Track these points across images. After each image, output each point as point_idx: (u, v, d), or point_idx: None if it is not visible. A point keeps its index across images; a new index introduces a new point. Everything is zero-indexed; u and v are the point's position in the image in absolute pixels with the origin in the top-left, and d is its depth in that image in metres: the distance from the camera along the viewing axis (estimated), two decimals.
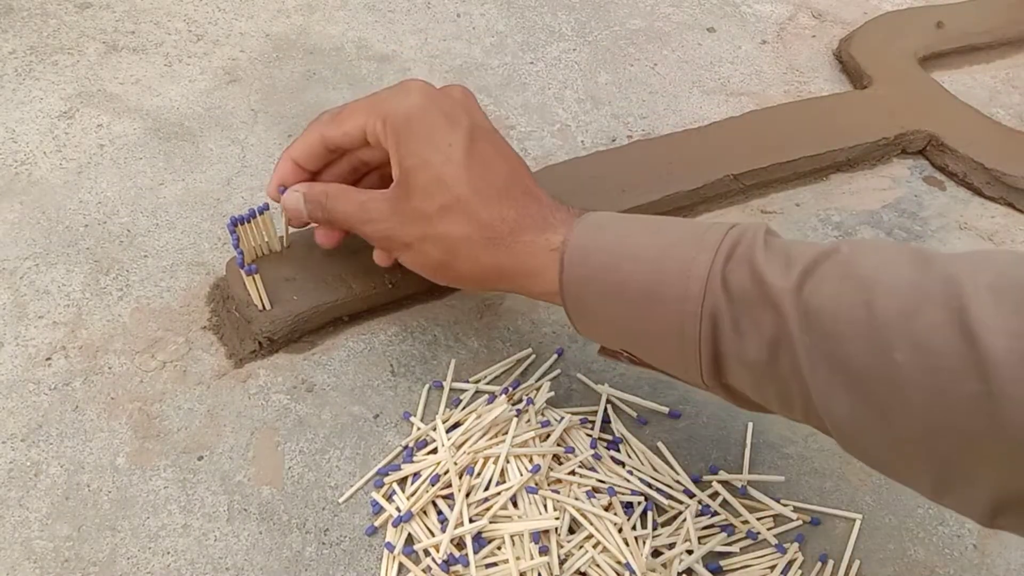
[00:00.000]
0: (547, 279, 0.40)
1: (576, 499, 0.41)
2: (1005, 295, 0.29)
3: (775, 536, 0.43)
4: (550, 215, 0.41)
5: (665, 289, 0.36)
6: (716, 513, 0.43)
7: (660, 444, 0.46)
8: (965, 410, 0.29)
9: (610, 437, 0.46)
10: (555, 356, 0.50)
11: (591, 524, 0.40)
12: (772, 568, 0.41)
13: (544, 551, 0.39)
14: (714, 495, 0.44)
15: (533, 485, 0.41)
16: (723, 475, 0.45)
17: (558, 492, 0.41)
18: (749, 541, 0.42)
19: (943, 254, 0.33)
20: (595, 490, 0.42)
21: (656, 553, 0.41)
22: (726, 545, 0.42)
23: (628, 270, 0.38)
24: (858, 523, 0.44)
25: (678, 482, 0.44)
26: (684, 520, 0.42)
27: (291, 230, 0.50)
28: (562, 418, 0.45)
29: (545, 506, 0.41)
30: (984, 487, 0.30)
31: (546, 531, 0.40)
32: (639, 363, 0.41)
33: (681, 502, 0.43)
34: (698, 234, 0.38)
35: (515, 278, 0.41)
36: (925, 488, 0.33)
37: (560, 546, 0.40)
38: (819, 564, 0.42)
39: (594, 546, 0.40)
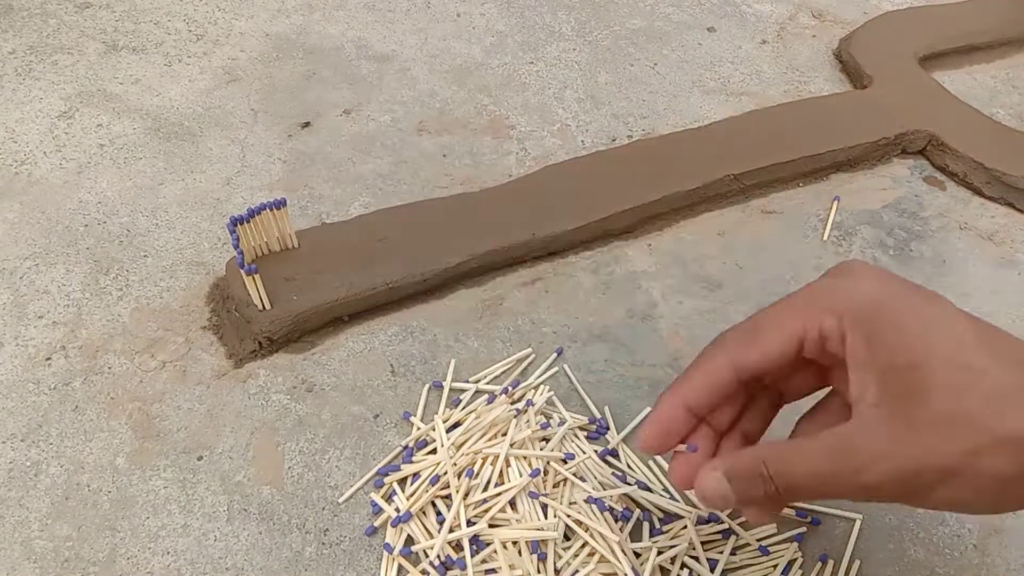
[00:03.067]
0: None
1: (572, 503, 0.41)
2: None
3: (774, 537, 0.43)
4: None
5: None
6: (719, 520, 0.43)
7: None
8: None
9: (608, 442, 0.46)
10: (554, 355, 0.50)
11: (592, 537, 0.40)
12: (774, 568, 0.41)
13: (543, 558, 0.39)
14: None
15: (533, 490, 0.41)
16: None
17: (557, 500, 0.41)
18: (757, 553, 0.42)
19: None
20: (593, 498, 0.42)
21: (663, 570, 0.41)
22: (730, 553, 0.42)
23: None
24: (858, 523, 0.44)
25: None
26: (684, 528, 0.42)
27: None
28: (562, 422, 0.45)
29: (544, 512, 0.40)
30: None
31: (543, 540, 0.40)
32: None
33: (679, 515, 0.43)
34: None
35: None
36: None
37: (558, 555, 0.40)
38: (819, 564, 0.42)
39: (590, 555, 0.40)
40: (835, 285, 0.32)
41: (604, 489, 0.42)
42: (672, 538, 0.42)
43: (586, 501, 0.41)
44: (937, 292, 0.32)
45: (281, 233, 0.50)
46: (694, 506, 0.43)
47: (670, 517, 0.43)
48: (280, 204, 0.49)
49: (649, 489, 0.43)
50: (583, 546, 0.40)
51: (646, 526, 0.42)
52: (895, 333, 0.30)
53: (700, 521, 0.43)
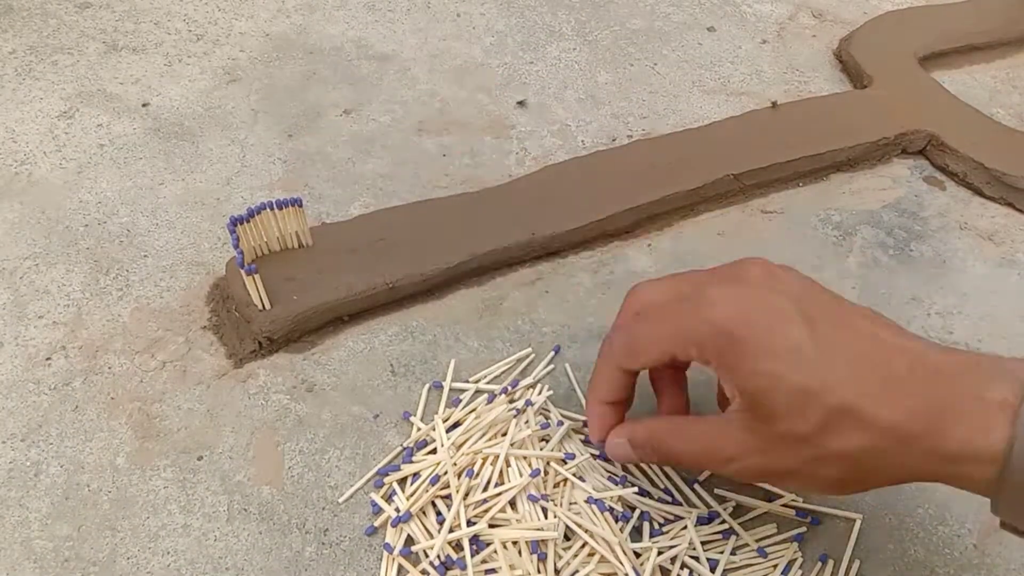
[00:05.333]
0: (981, 469, 0.32)
1: (573, 503, 0.41)
2: None
3: (774, 537, 0.43)
4: (964, 392, 0.33)
5: None
6: (721, 519, 0.43)
7: None
8: None
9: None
10: (552, 354, 0.50)
11: (592, 537, 0.40)
12: (774, 568, 0.41)
13: (543, 558, 0.39)
14: (720, 500, 0.44)
15: (534, 492, 0.41)
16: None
17: (556, 501, 0.41)
18: (754, 554, 0.42)
19: None
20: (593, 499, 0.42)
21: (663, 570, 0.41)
22: (730, 554, 0.42)
23: None
24: (858, 523, 0.44)
25: (677, 488, 0.44)
26: (685, 529, 0.42)
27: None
28: (561, 422, 0.45)
29: (544, 513, 0.40)
30: None
31: (543, 540, 0.40)
32: None
33: (679, 516, 0.43)
34: None
35: (941, 478, 0.34)
36: None
37: (558, 555, 0.40)
38: (819, 564, 0.42)
39: (590, 555, 0.40)
40: (694, 316, 0.36)
41: (604, 489, 0.42)
42: (672, 538, 0.42)
43: (586, 501, 0.41)
44: (792, 290, 0.36)
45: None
46: (694, 506, 0.43)
47: (670, 517, 0.43)
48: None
49: (649, 494, 0.43)
50: (583, 546, 0.40)
51: (646, 526, 0.42)
52: (742, 363, 0.35)
53: (700, 521, 0.43)
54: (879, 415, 0.33)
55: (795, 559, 0.42)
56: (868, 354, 0.34)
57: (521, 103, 0.60)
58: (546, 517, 0.40)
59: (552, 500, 0.41)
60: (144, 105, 0.59)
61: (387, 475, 0.43)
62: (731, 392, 0.36)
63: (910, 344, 0.35)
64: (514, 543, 0.40)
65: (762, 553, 0.42)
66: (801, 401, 0.34)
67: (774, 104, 0.62)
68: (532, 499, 0.41)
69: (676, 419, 0.41)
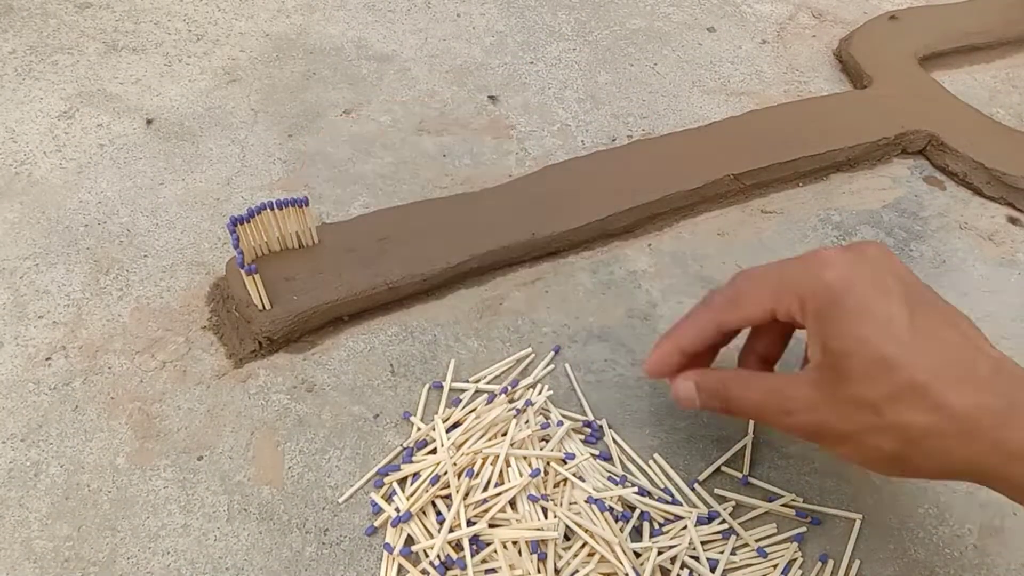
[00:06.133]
0: None
1: (572, 503, 0.41)
2: None
3: (774, 537, 0.43)
4: None
5: None
6: (720, 519, 0.43)
7: (656, 456, 0.46)
8: None
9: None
10: (552, 354, 0.50)
11: (592, 537, 0.40)
12: (774, 568, 0.41)
13: (543, 558, 0.39)
14: (720, 500, 0.44)
15: (534, 492, 0.41)
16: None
17: (556, 502, 0.41)
18: (754, 554, 0.42)
19: None
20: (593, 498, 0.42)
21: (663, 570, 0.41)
22: (730, 554, 0.42)
23: None
24: (858, 523, 0.44)
25: (677, 488, 0.44)
26: (684, 529, 0.42)
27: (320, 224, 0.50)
28: (560, 422, 0.45)
29: (544, 513, 0.40)
30: None
31: (543, 540, 0.40)
32: None
33: (679, 516, 0.43)
34: None
35: (994, 478, 0.35)
36: None
37: (558, 555, 0.40)
38: (819, 564, 0.42)
39: (590, 555, 0.40)
40: (799, 269, 0.38)
41: (604, 489, 0.42)
42: (672, 538, 0.42)
43: (586, 501, 0.41)
44: (904, 278, 0.37)
45: (300, 230, 0.51)
46: (694, 506, 0.43)
47: (670, 517, 0.43)
48: (303, 202, 0.49)
49: (649, 494, 0.43)
50: (583, 546, 0.40)
51: (646, 526, 0.42)
52: (837, 323, 0.36)
53: (700, 521, 0.43)
54: (949, 399, 0.33)
55: (795, 559, 0.42)
56: (956, 348, 0.35)
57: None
58: (546, 517, 0.40)
59: (552, 500, 0.41)
60: (149, 122, 0.59)
61: (387, 475, 0.43)
62: (813, 352, 0.37)
63: (999, 355, 0.36)
64: (514, 543, 0.40)
65: (762, 553, 0.42)
66: (879, 369, 0.34)
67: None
68: (532, 499, 0.41)
69: (746, 371, 0.41)
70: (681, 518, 0.42)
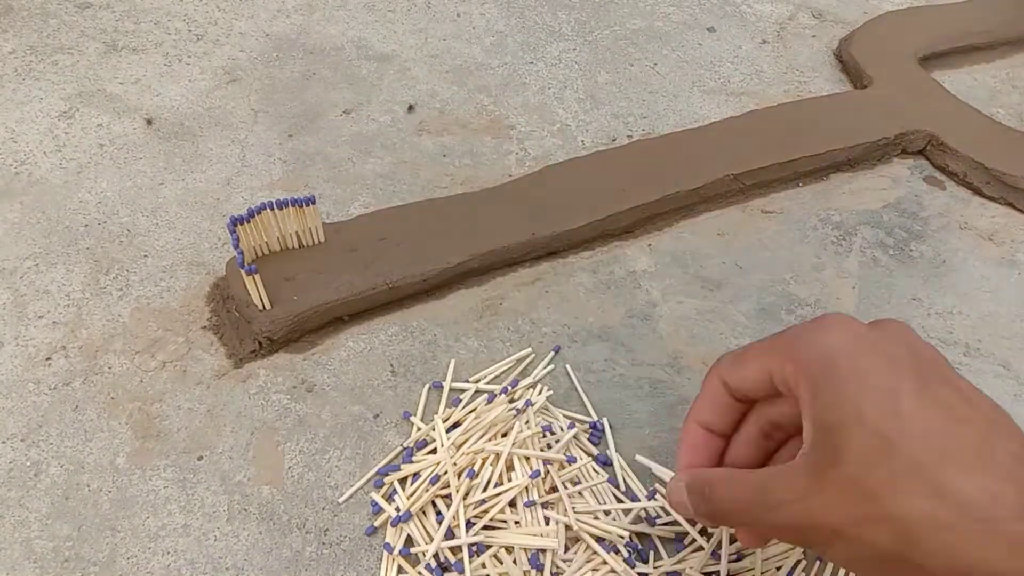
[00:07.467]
0: None
1: (572, 508, 0.41)
2: None
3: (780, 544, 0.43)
4: None
5: None
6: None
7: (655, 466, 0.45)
8: None
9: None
10: (552, 354, 0.50)
11: (595, 541, 0.40)
12: (778, 569, 0.41)
13: (540, 569, 0.39)
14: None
15: (534, 496, 0.41)
16: None
17: (558, 509, 0.41)
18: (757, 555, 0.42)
19: None
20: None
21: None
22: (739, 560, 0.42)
23: None
24: None
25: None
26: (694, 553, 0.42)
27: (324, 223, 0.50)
28: (572, 425, 0.45)
29: (545, 520, 0.40)
30: None
31: (542, 549, 0.40)
32: None
33: (682, 532, 0.43)
34: None
35: (1009, 570, 0.28)
36: None
37: (556, 567, 0.40)
38: (819, 564, 0.42)
39: (588, 561, 0.40)
40: (801, 332, 0.33)
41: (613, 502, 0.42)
42: (677, 562, 0.41)
43: (597, 541, 0.41)
44: (920, 350, 0.32)
45: (302, 229, 0.51)
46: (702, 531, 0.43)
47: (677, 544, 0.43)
48: (310, 201, 0.49)
49: (653, 521, 0.43)
50: (585, 549, 0.40)
51: (652, 554, 0.42)
52: (832, 391, 0.31)
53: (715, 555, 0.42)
54: (955, 483, 0.28)
55: (799, 562, 0.42)
56: (973, 430, 0.29)
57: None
58: (547, 524, 0.40)
59: (552, 506, 0.41)
60: (148, 122, 0.59)
61: (387, 475, 0.43)
62: (805, 430, 0.32)
63: (1011, 429, 0.30)
64: (509, 551, 0.40)
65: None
66: (877, 448, 0.29)
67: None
68: (528, 505, 0.41)
69: (740, 471, 0.35)
70: (687, 547, 0.42)
